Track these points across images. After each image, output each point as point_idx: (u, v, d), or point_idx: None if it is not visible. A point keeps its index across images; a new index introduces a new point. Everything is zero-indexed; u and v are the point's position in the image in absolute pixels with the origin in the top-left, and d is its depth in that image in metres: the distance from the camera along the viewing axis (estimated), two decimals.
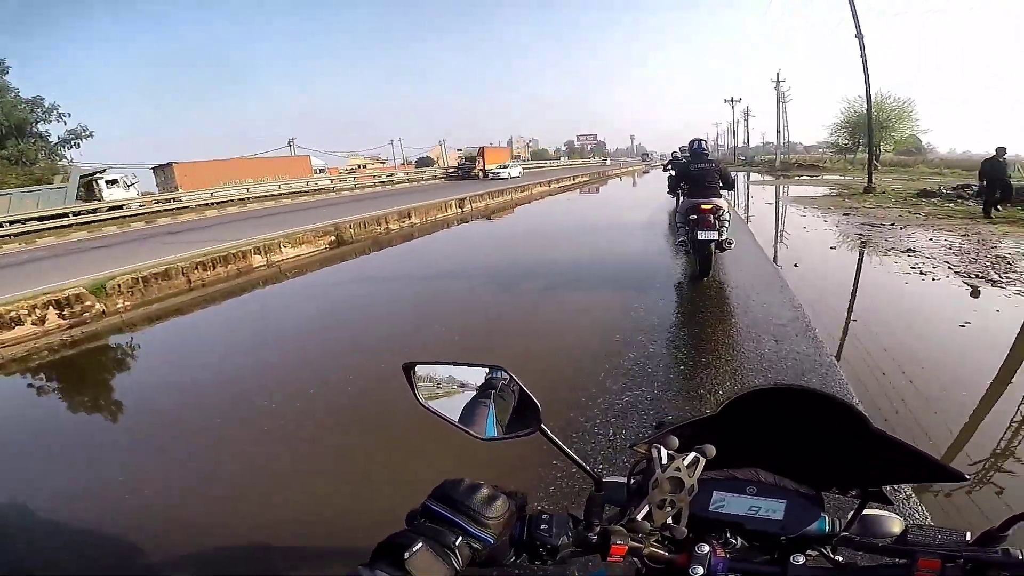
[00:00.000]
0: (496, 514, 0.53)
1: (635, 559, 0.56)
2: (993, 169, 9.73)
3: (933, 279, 5.51)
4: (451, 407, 0.65)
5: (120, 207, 18.61)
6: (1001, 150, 9.99)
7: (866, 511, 0.63)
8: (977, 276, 5.53)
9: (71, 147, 26.48)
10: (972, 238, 7.60)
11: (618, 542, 0.54)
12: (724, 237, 5.43)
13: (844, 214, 10.58)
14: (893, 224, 8.99)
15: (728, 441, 0.59)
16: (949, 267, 5.94)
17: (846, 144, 35.73)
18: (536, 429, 0.60)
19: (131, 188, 21.52)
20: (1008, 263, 5.99)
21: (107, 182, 20.53)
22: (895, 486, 0.90)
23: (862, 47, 14.69)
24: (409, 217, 13.94)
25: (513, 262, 8.05)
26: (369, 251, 10.36)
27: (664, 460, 0.55)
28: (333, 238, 10.91)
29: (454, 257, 9.36)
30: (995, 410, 2.78)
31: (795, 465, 0.64)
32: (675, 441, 0.57)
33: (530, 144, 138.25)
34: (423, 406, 0.64)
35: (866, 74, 14.86)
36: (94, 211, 17.81)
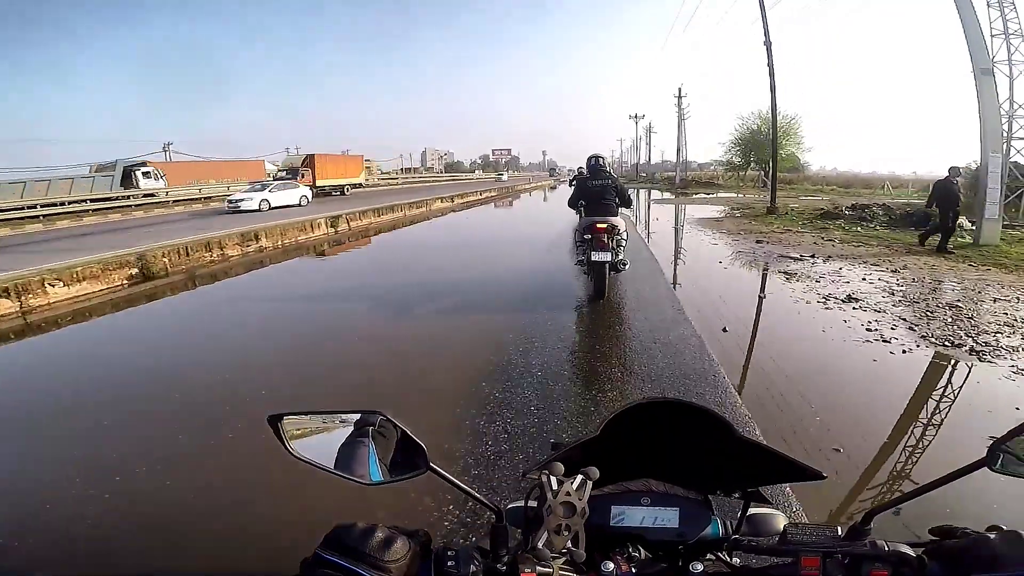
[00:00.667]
0: (396, 557, 0.51)
1: None
2: (948, 194, 8.05)
3: (904, 350, 3.93)
4: (328, 455, 0.61)
5: (153, 194, 21.82)
6: (954, 170, 8.30)
7: (752, 510, 0.67)
8: (949, 343, 4.04)
9: None
10: (906, 275, 6.41)
11: (526, 570, 0.54)
12: (620, 258, 5.30)
13: (757, 241, 9.40)
14: (814, 256, 7.76)
15: (617, 455, 0.62)
16: (909, 326, 4.45)
17: (739, 162, 37.43)
18: (426, 468, 0.59)
19: (161, 179, 23.88)
20: (969, 318, 4.64)
21: (143, 173, 23.37)
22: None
23: (769, 55, 14.13)
24: (257, 240, 10.57)
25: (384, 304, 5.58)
26: (177, 290, 7.32)
27: (554, 486, 0.55)
28: (135, 271, 7.78)
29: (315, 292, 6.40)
30: None
31: (683, 472, 0.68)
32: (560, 467, 0.57)
33: (444, 156, 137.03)
34: (296, 457, 0.60)
35: (772, 83, 14.31)
36: (129, 197, 20.68)
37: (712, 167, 51.91)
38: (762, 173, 35.19)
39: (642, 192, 31.70)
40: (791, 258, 7.62)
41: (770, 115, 15.43)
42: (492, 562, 0.57)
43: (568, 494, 0.55)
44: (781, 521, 0.68)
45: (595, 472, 0.56)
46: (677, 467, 0.68)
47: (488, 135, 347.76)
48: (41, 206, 17.43)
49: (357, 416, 0.63)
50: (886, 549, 0.53)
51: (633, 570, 0.59)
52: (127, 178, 22.62)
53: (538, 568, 0.55)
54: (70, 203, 18.40)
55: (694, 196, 26.16)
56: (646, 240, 10.20)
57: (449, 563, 0.55)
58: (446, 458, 2.46)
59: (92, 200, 19.24)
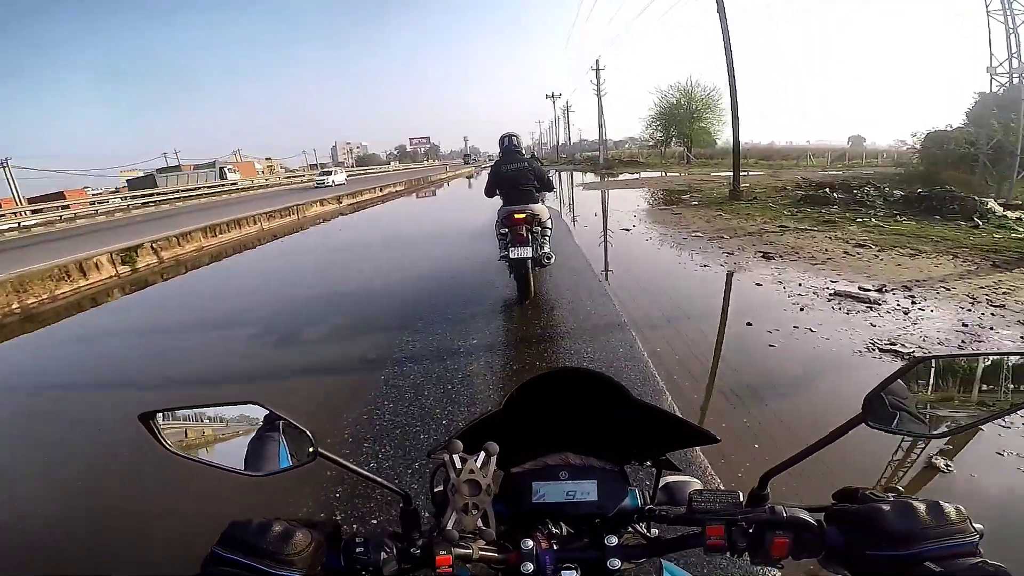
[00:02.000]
0: (298, 549, 0.49)
1: (468, 565, 0.55)
2: None
3: None
4: (209, 450, 0.60)
5: (235, 183, 32.72)
6: None
7: (667, 478, 0.68)
8: None
9: None
10: None
11: (442, 552, 0.53)
12: (544, 251, 4.72)
13: (762, 255, 6.01)
14: (892, 290, 4.44)
15: (532, 431, 0.61)
16: None
17: (660, 137, 35.41)
18: (315, 457, 0.57)
19: (236, 174, 37.46)
20: None
21: (229, 169, 37.30)
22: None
23: (722, 14, 10.92)
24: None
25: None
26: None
27: (457, 464, 0.54)
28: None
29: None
30: None
31: (597, 444, 0.66)
32: (459, 445, 0.56)
33: (357, 148, 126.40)
34: (174, 453, 0.58)
35: (728, 44, 11.11)
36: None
37: (628, 145, 50.06)
38: (685, 149, 33.48)
39: (565, 175, 28.49)
40: (861, 300, 4.21)
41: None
42: (406, 547, 0.55)
43: (472, 472, 0.53)
44: (693, 487, 0.67)
45: (495, 447, 0.55)
46: (591, 439, 0.66)
47: (407, 126, 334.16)
48: (182, 191, 27.39)
49: (236, 408, 0.61)
50: (784, 515, 0.52)
51: (554, 546, 0.58)
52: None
53: (455, 550, 0.53)
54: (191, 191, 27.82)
55: (620, 177, 23.25)
56: (595, 270, 5.81)
57: (358, 550, 0.54)
58: None
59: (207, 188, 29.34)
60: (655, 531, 0.64)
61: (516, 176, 4.69)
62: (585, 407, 0.64)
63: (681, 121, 33.25)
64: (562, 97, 56.46)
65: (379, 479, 0.58)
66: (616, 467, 0.65)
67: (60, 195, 30.03)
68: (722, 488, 0.57)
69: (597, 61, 31.51)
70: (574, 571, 0.56)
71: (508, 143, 4.90)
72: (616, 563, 0.56)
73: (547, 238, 4.73)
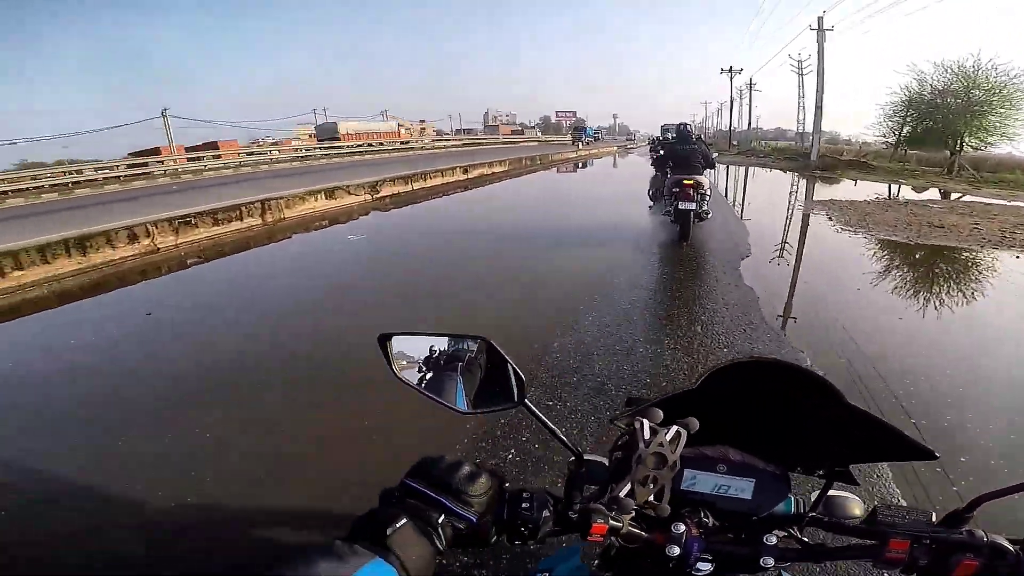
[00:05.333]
0: (479, 492, 0.52)
1: (612, 538, 0.56)
2: None
3: None
4: (426, 379, 0.64)
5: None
6: None
7: (832, 492, 0.64)
8: None
9: None
10: None
11: (598, 520, 0.53)
12: (704, 208, 6.73)
13: None
14: None
15: (702, 416, 0.58)
16: None
17: (908, 134, 24.47)
18: (519, 403, 0.59)
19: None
20: None
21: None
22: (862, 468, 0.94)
23: None
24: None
25: None
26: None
27: (647, 435, 0.54)
28: None
29: None
30: None
31: (764, 443, 0.64)
32: (659, 414, 0.55)
33: (507, 117, 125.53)
34: (397, 378, 0.64)
35: None
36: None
37: (848, 140, 37.91)
38: (952, 154, 22.54)
39: (739, 173, 20.41)
40: None
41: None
42: (564, 509, 0.56)
43: (661, 445, 0.53)
44: (857, 507, 0.66)
45: (695, 423, 0.54)
46: (761, 436, 0.63)
47: (557, 98, 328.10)
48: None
49: (461, 341, 0.64)
50: (984, 540, 0.50)
51: (702, 535, 0.58)
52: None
53: (611, 520, 0.53)
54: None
55: (856, 191, 14.84)
56: None
57: (524, 505, 0.55)
58: None
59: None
60: (806, 538, 0.63)
61: (687, 155, 6.83)
62: (774, 402, 0.61)
63: (954, 115, 22.29)
64: (743, 73, 44.93)
65: (563, 437, 0.59)
66: (780, 471, 0.63)
67: (214, 144, 31.03)
68: (911, 506, 0.57)
69: (820, 20, 21.96)
70: (710, 563, 0.58)
71: (684, 129, 7.51)
72: (769, 562, 0.57)
73: (706, 200, 6.78)
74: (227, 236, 8.40)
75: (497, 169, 19.72)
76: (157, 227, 7.58)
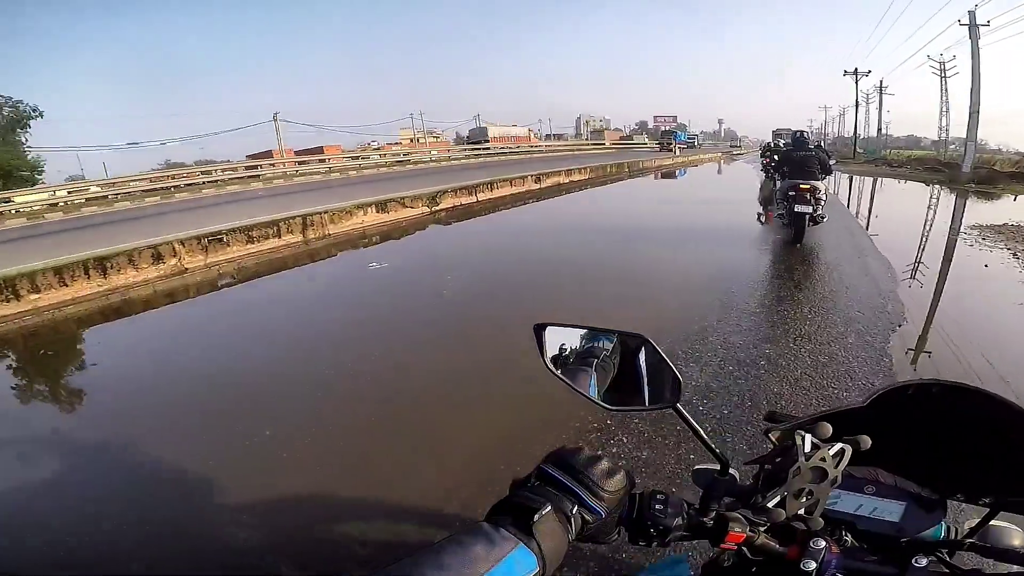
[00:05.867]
0: (614, 488, 0.51)
1: (744, 548, 0.55)
2: None
3: None
4: (578, 372, 0.63)
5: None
6: None
7: (994, 523, 0.62)
8: None
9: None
10: None
11: (736, 529, 0.53)
12: (819, 212, 6.63)
13: None
14: None
15: (869, 435, 0.56)
16: None
17: None
18: (673, 404, 0.58)
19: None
20: None
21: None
22: None
23: None
24: None
25: None
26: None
27: (808, 448, 0.52)
28: None
29: None
30: None
31: (920, 467, 0.61)
32: (828, 429, 0.53)
33: (601, 122, 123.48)
34: (549, 369, 0.63)
35: None
36: None
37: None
38: None
39: (877, 190, 17.70)
40: None
41: None
42: (697, 516, 0.56)
43: (823, 459, 0.51)
44: (1017, 537, 0.64)
45: (866, 441, 0.52)
46: (916, 459, 0.61)
47: (653, 101, 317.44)
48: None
49: (617, 337, 0.64)
50: None
51: (842, 553, 0.56)
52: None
53: (748, 531, 0.53)
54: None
55: None
56: None
57: (658, 507, 0.54)
58: None
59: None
60: (956, 564, 0.60)
61: (804, 160, 6.83)
62: (944, 426, 0.58)
63: None
64: (870, 75, 39.75)
65: (711, 444, 0.57)
66: (935, 496, 0.61)
67: (320, 150, 33.75)
68: None
69: (972, 14, 18.48)
70: None
71: (800, 135, 7.62)
72: None
73: (822, 204, 6.70)
74: (254, 257, 8.19)
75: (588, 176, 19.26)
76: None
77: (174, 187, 19.25)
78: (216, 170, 22.00)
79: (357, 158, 29.18)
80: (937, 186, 17.99)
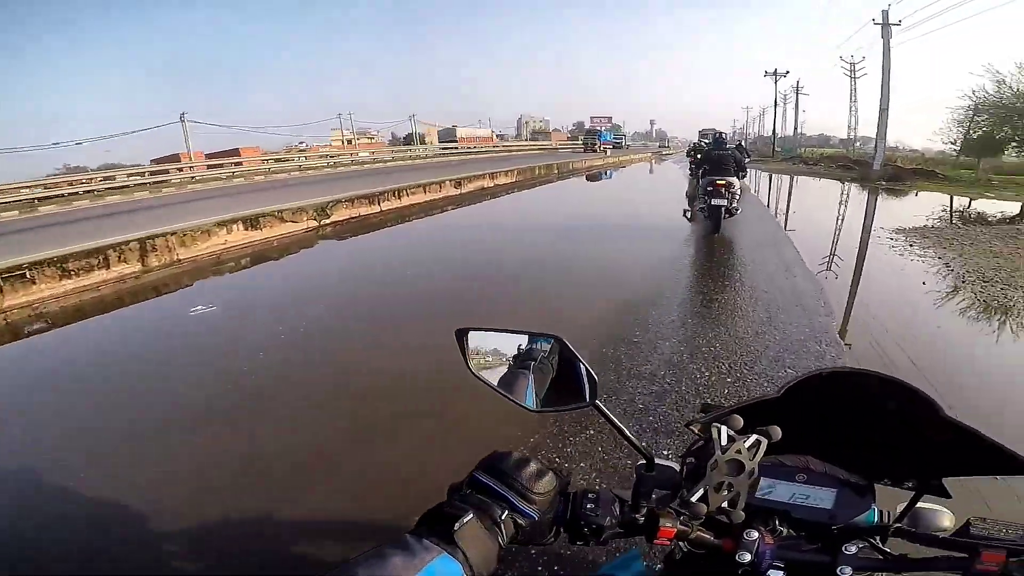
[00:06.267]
0: (544, 490, 0.52)
1: (680, 543, 0.57)
2: None
3: None
4: (500, 374, 0.63)
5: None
6: None
7: (921, 505, 0.63)
8: None
9: None
10: None
11: (667, 524, 0.53)
12: (734, 205, 7.45)
13: None
14: None
15: (784, 425, 0.56)
16: None
17: (984, 135, 21.42)
18: (591, 403, 0.59)
19: None
20: None
21: None
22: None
23: None
24: None
25: None
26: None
27: (724, 441, 0.53)
28: None
29: None
30: None
31: (847, 453, 0.62)
32: (739, 421, 0.54)
33: (541, 123, 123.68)
34: (473, 373, 0.63)
35: None
36: None
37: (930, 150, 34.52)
38: None
39: (794, 189, 17.76)
40: None
41: None
42: (631, 512, 0.56)
43: (739, 452, 0.52)
44: (947, 519, 0.66)
45: (777, 432, 0.53)
46: (844, 446, 0.61)
47: (593, 103, 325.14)
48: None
49: (535, 339, 0.64)
50: None
51: (776, 543, 0.58)
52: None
53: (679, 525, 0.54)
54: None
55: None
56: None
57: (589, 505, 0.55)
58: None
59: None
60: (888, 548, 0.61)
61: (721, 158, 7.67)
62: (860, 412, 0.58)
63: None
64: (788, 76, 41.49)
65: (634, 439, 0.58)
66: (864, 481, 0.62)
67: (236, 152, 30.77)
68: (1008, 520, 0.55)
69: (885, 14, 19.30)
70: (782, 571, 0.57)
71: (719, 136, 8.91)
72: (847, 571, 0.56)
73: (737, 198, 7.54)
74: (73, 296, 6.21)
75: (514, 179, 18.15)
76: None
77: (70, 194, 16.29)
78: (121, 175, 19.13)
79: (282, 160, 26.84)
80: (851, 183, 18.43)
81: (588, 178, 21.67)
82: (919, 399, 0.54)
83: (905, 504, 0.62)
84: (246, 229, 9.12)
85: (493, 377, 0.63)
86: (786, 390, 0.57)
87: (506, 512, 0.48)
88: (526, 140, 66.58)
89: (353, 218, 10.94)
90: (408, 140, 50.86)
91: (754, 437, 0.52)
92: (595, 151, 38.32)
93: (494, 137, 63.16)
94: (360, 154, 30.80)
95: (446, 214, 11.85)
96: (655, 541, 0.53)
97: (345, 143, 44.49)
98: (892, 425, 0.57)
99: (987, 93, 20.81)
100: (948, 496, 0.60)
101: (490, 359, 0.64)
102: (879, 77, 19.40)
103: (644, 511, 0.56)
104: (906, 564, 0.57)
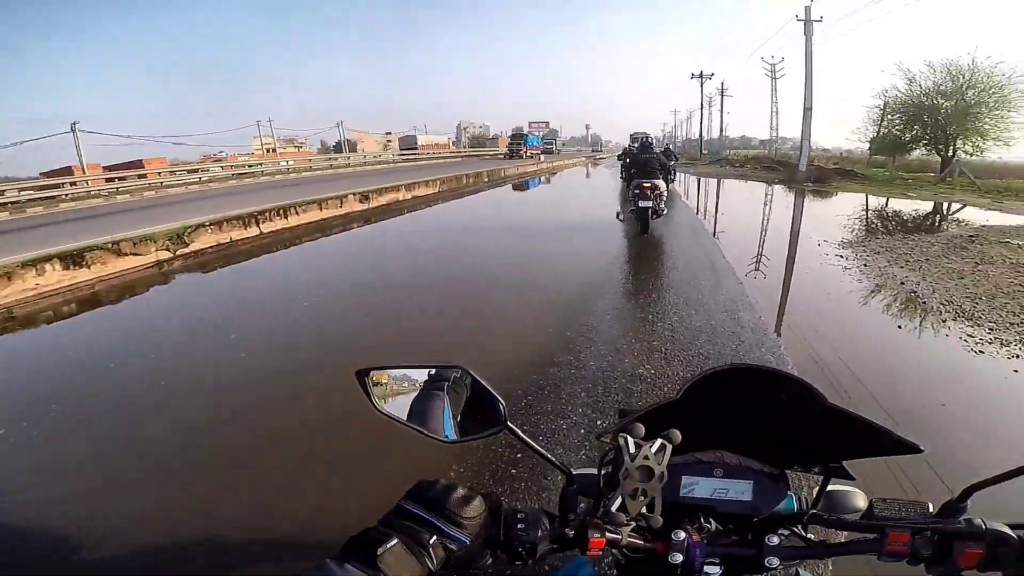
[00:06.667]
0: (472, 514, 0.52)
1: (614, 550, 0.57)
2: None
3: None
4: (410, 410, 0.63)
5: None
6: None
7: (831, 487, 0.65)
8: None
9: None
10: None
11: (595, 535, 0.54)
12: (660, 206, 7.71)
13: None
14: None
15: (691, 424, 0.60)
16: None
17: (896, 137, 22.12)
18: (503, 427, 0.59)
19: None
20: None
21: None
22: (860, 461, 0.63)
23: None
24: None
25: None
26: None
27: (632, 449, 0.54)
28: None
29: None
30: None
31: (758, 445, 0.65)
32: (641, 429, 0.56)
33: (480, 128, 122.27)
34: (380, 412, 0.63)
35: None
36: None
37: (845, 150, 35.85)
38: (952, 160, 20.21)
39: (721, 193, 17.31)
40: None
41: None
42: (559, 527, 0.57)
43: (647, 458, 0.53)
44: (860, 500, 0.68)
45: (677, 435, 0.54)
46: (754, 439, 0.64)
47: (531, 107, 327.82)
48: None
49: (441, 371, 0.64)
50: (984, 527, 0.51)
51: (704, 539, 0.59)
52: None
53: (608, 534, 0.54)
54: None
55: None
56: None
57: (519, 525, 0.55)
58: None
59: None
60: (811, 535, 0.64)
61: (647, 162, 7.94)
62: (758, 406, 0.60)
63: (945, 118, 20.07)
64: (714, 78, 42.44)
65: (550, 457, 0.59)
66: (776, 471, 0.64)
67: (139, 163, 27.23)
68: (907, 499, 0.57)
69: (807, 10, 19.34)
70: (718, 567, 0.58)
71: (645, 139, 9.58)
72: (775, 562, 0.57)
73: (662, 199, 7.72)
74: None
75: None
76: None
77: None
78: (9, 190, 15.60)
79: (195, 171, 23.98)
80: (779, 185, 18.26)
81: (515, 187, 20.36)
82: (805, 389, 0.57)
83: (818, 489, 0.63)
84: (65, 268, 6.95)
85: (405, 411, 0.62)
86: (685, 391, 0.58)
87: (435, 537, 0.49)
88: (465, 146, 64.70)
89: (220, 246, 8.91)
90: (339, 148, 48.40)
91: (659, 442, 0.54)
92: (521, 157, 35.75)
93: (450, 144, 62.22)
94: (282, 163, 28.70)
95: (348, 234, 10.07)
96: (588, 552, 0.53)
97: (267, 152, 41.06)
98: (788, 415, 0.59)
99: (898, 91, 21.48)
100: (852, 478, 0.62)
101: (401, 393, 0.63)
102: (797, 78, 19.44)
103: (574, 524, 0.56)
104: (826, 549, 0.59)
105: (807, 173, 19.00)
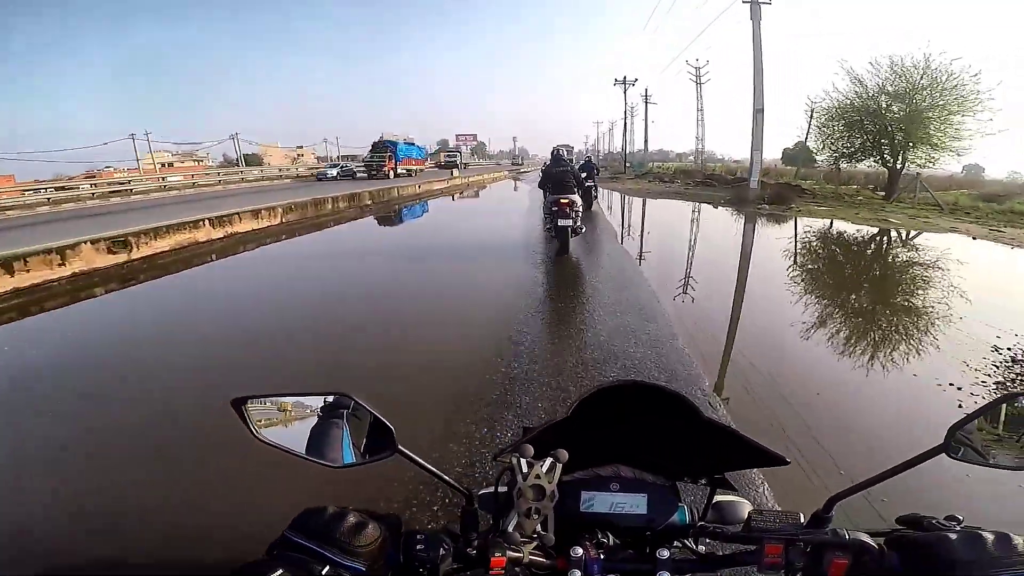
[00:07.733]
0: (366, 542, 0.50)
1: (517, 568, 0.57)
2: None
3: None
4: (293, 438, 0.60)
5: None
6: None
7: (719, 498, 0.69)
8: None
9: None
10: None
11: (496, 554, 0.54)
12: (578, 224, 7.30)
13: None
14: None
15: (588, 440, 0.62)
16: None
17: (845, 149, 19.46)
18: (394, 451, 0.58)
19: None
20: None
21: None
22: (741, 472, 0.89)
23: None
24: None
25: None
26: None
27: (524, 469, 0.54)
28: None
29: None
30: None
31: (651, 458, 0.67)
32: (530, 449, 0.56)
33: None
34: (260, 440, 0.59)
35: None
36: None
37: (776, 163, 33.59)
38: (887, 172, 17.72)
39: (668, 222, 13.65)
40: None
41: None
42: (462, 546, 0.56)
43: (538, 477, 0.53)
44: (746, 508, 0.68)
45: (564, 454, 0.55)
46: (646, 453, 0.67)
47: (458, 121, 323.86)
48: None
49: (323, 398, 0.62)
50: (847, 538, 0.52)
51: (601, 556, 0.59)
52: None
53: (508, 552, 0.54)
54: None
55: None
56: None
57: (418, 547, 0.54)
58: None
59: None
60: (702, 548, 0.65)
61: (562, 176, 7.48)
62: (647, 421, 0.63)
63: (893, 123, 17.56)
64: (637, 83, 39.37)
65: (447, 478, 0.59)
66: (668, 483, 0.66)
67: None
68: (781, 509, 0.57)
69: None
70: None
71: (557, 153, 8.56)
72: (666, 575, 0.58)
73: (579, 216, 7.29)
74: None
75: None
76: None
77: None
78: None
79: (64, 188, 19.97)
80: (725, 208, 14.66)
81: (380, 220, 15.51)
82: (682, 403, 0.59)
83: (706, 501, 0.66)
84: None
85: (290, 439, 0.59)
86: (574, 408, 0.60)
87: (327, 568, 0.46)
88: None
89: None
90: (249, 161, 42.92)
91: (549, 461, 0.54)
92: (386, 176, 26.17)
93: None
94: (170, 179, 25.54)
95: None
96: (491, 572, 0.53)
97: (162, 166, 36.95)
98: (674, 429, 0.61)
99: (840, 93, 18.78)
100: (733, 489, 0.67)
101: (284, 421, 0.60)
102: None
103: (476, 543, 0.55)
104: (714, 561, 0.60)
105: (759, 192, 15.48)
